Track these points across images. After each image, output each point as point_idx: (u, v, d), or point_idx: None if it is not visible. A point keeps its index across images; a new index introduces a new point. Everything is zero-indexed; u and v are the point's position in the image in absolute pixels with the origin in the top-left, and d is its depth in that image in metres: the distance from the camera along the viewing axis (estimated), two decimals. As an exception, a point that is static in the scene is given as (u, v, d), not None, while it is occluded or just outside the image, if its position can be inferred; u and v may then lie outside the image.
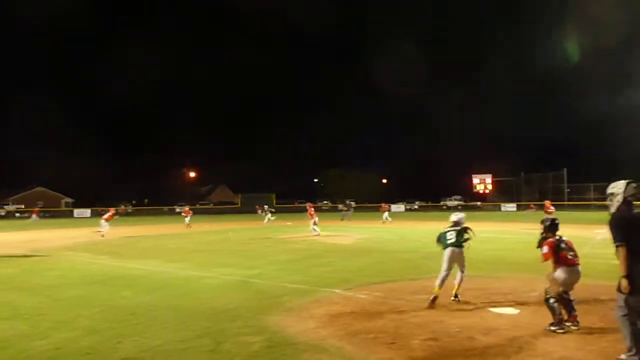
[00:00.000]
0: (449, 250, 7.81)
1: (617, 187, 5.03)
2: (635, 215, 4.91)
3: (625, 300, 4.64)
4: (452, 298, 7.59)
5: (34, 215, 33.39)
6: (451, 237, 7.88)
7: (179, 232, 26.36)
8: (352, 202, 44.69)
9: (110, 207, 29.20)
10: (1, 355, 5.24)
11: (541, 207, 30.97)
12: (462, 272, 7.84)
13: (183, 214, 28.22)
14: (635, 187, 4.98)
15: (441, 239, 7.99)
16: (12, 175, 76.90)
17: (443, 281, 7.58)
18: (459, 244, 7.83)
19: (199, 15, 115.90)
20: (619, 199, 4.99)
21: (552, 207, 23.45)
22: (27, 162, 79.30)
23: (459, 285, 7.76)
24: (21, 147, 78.84)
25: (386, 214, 34.77)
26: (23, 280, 10.42)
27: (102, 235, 21.48)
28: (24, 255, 15.19)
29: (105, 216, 22.90)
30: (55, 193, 77.85)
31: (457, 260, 7.80)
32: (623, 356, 4.75)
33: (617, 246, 4.79)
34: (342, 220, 36.97)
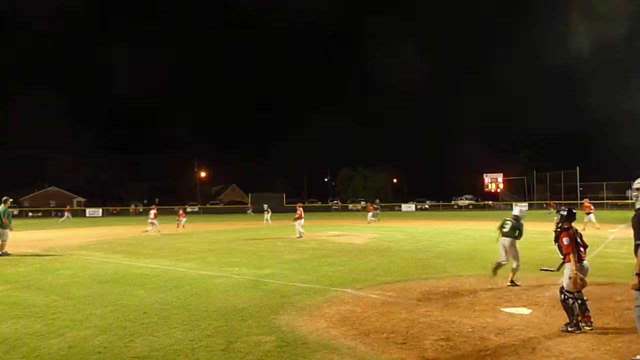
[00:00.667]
0: (502, 239, 8.95)
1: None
2: None
3: None
4: (508, 283, 8.65)
5: (66, 214, 33.86)
6: (506, 227, 8.93)
7: (189, 231, 26.47)
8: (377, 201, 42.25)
9: (121, 206, 29.46)
10: (15, 354, 5.28)
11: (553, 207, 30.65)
12: (516, 261, 8.80)
13: (179, 217, 28.52)
14: None
15: (500, 227, 9.09)
16: (25, 174, 77.81)
17: (498, 266, 8.91)
18: (510, 234, 8.85)
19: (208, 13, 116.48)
20: (636, 194, 4.83)
21: (592, 207, 23.47)
22: (39, 161, 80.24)
23: (514, 273, 8.71)
24: (33, 146, 79.53)
25: (370, 214, 34.19)
26: (36, 279, 10.51)
27: (159, 231, 23.02)
28: (37, 254, 15.34)
29: (151, 215, 23.39)
30: (67, 193, 78.64)
31: (509, 249, 8.84)
32: (639, 357, 4.68)
33: (637, 244, 4.58)
34: (376, 220, 33.90)
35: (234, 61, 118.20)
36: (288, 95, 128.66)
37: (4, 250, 14.91)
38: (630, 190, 56.77)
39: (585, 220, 22.36)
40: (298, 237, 20.04)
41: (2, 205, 14.99)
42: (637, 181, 4.89)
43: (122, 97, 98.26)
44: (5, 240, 14.99)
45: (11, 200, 15.54)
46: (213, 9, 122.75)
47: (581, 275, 5.78)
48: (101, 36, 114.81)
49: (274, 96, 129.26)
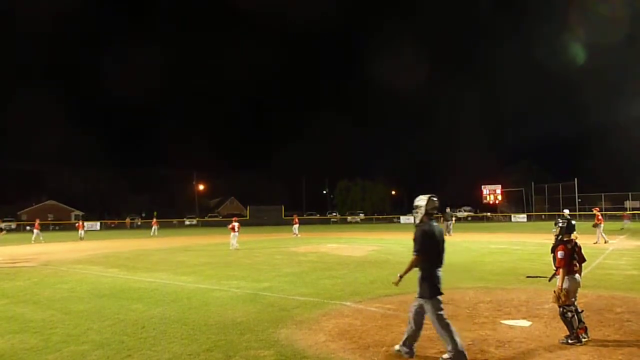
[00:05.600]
0: None
1: (421, 201, 5.53)
2: (435, 227, 5.45)
3: None
4: None
5: (80, 231, 33.32)
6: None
7: (187, 244, 26.40)
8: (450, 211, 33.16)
9: (118, 219, 29.04)
10: (11, 370, 5.23)
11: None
12: None
13: (153, 224, 28.66)
14: (435, 202, 5.50)
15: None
16: (23, 187, 77.73)
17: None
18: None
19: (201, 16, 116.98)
20: (422, 211, 5.49)
21: (601, 218, 22.17)
22: (37, 174, 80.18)
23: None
24: (30, 159, 79.51)
25: (296, 227, 33.16)
26: (34, 293, 10.46)
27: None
28: (34, 268, 15.27)
29: (231, 226, 22.66)
30: (65, 206, 78.51)
31: None
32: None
33: (415, 254, 5.45)
34: (448, 235, 28.50)
35: (232, 71, 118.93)
36: (283, 106, 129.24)
37: None
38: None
39: (598, 232, 21.45)
40: (295, 235, 20.85)
41: None
42: (417, 199, 5.58)
43: (121, 106, 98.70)
44: None
45: None
46: (212, 10, 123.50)
47: (565, 292, 5.77)
48: (102, 43, 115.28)
49: (269, 108, 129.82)
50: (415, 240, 5.45)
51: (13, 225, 58.84)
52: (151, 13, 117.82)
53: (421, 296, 5.36)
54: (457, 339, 5.13)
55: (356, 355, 5.48)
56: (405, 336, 5.48)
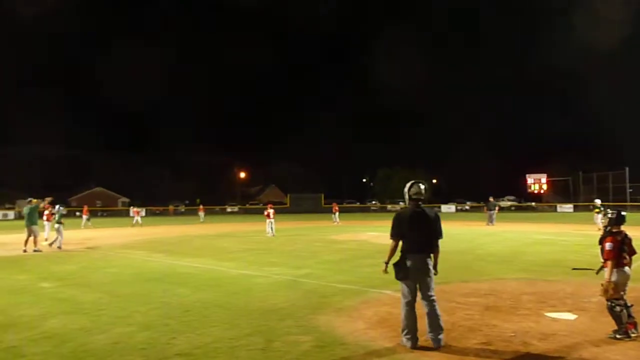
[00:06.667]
0: None
1: (406, 187, 5.73)
2: (415, 212, 5.54)
3: None
4: None
5: (136, 216, 34.30)
6: None
7: (229, 231, 26.86)
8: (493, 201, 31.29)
9: (163, 206, 29.65)
10: (64, 348, 5.48)
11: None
12: None
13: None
14: (419, 187, 5.65)
15: None
16: (72, 175, 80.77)
17: None
18: None
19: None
20: (406, 197, 5.69)
21: None
22: (84, 162, 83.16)
23: None
24: (78, 147, 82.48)
25: (336, 214, 33.53)
26: (83, 276, 10.89)
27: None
28: (83, 253, 15.90)
29: (266, 213, 23.12)
30: (113, 193, 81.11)
31: None
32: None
33: (391, 237, 5.62)
34: (491, 224, 28.87)
35: (260, 62, 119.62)
36: (326, 94, 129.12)
37: (37, 247, 15.76)
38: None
39: None
40: (336, 223, 21.05)
41: (27, 206, 15.99)
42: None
43: (154, 100, 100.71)
44: (37, 237, 15.83)
45: (35, 200, 16.53)
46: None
47: (613, 284, 5.54)
48: (100, 41, 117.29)
49: (312, 96, 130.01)
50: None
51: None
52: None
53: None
54: (413, 326, 5.38)
55: (395, 344, 5.46)
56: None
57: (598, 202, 25.25)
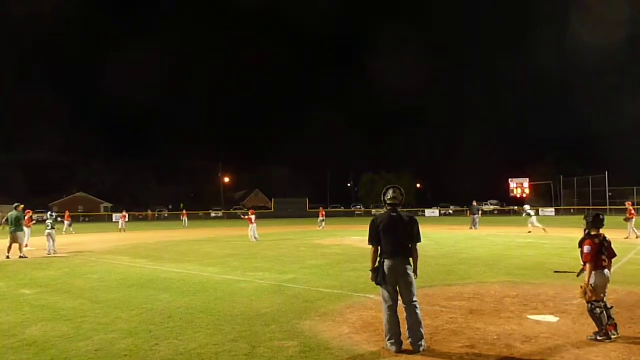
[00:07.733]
0: None
1: (382, 192, 5.80)
2: (390, 216, 5.57)
3: None
4: None
5: (122, 221, 33.70)
6: None
7: (213, 236, 26.70)
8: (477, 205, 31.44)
9: (146, 211, 29.44)
10: (44, 356, 5.39)
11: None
12: None
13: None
14: (394, 191, 5.69)
15: None
16: (53, 181, 79.74)
17: None
18: None
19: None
20: (383, 202, 5.75)
21: (634, 212, 21.17)
22: (66, 167, 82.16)
23: None
24: (60, 153, 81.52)
25: (322, 219, 33.29)
26: (65, 282, 10.74)
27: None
28: (65, 259, 15.67)
29: (247, 217, 23.54)
30: (95, 198, 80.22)
31: None
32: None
33: (369, 243, 5.66)
34: (474, 229, 28.84)
35: (248, 63, 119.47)
36: (305, 99, 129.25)
37: (22, 254, 15.59)
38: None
39: (629, 227, 20.45)
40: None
41: (15, 211, 15.96)
42: None
43: (143, 102, 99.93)
44: (22, 243, 15.72)
45: (22, 206, 16.52)
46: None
47: (592, 288, 5.62)
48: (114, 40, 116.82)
49: (289, 100, 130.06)
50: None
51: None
52: None
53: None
54: (397, 330, 5.43)
55: (380, 348, 5.48)
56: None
57: (527, 207, 28.21)
